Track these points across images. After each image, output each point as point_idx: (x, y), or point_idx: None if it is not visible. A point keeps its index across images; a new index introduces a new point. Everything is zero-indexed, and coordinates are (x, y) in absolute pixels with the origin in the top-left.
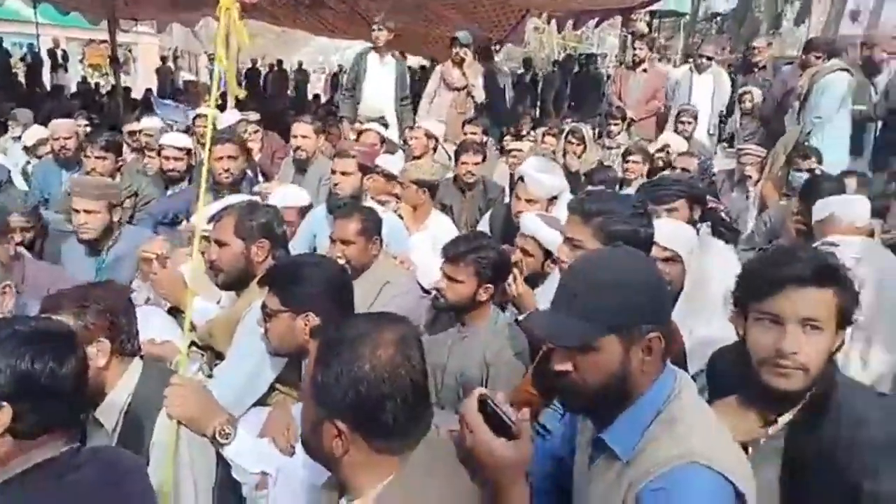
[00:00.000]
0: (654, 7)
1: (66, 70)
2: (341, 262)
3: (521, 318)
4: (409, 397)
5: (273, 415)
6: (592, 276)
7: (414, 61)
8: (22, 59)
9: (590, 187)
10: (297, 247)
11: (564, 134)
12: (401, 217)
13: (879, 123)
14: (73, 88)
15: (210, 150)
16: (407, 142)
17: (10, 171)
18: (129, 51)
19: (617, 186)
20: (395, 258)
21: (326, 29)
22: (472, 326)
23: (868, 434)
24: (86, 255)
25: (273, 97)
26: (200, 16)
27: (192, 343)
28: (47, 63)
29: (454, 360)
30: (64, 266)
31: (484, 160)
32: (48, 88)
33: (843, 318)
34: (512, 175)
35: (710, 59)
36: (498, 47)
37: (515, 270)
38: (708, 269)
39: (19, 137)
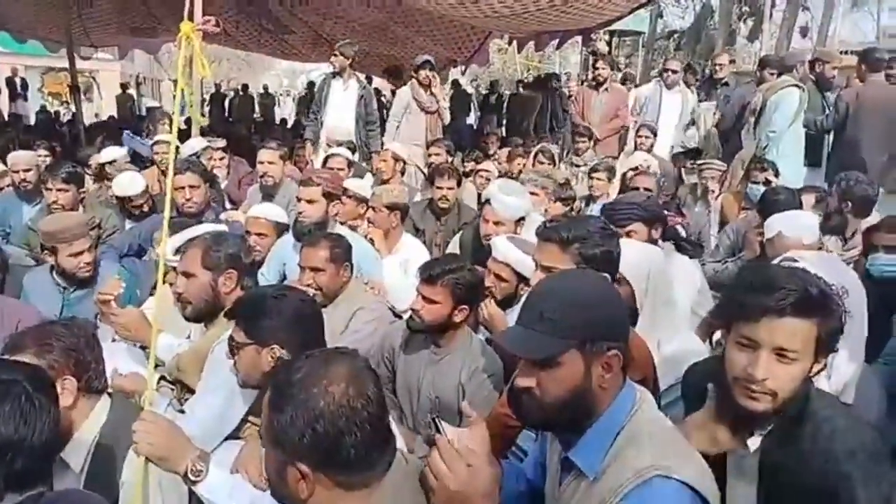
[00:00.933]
0: (614, 27)
1: (25, 99)
2: (311, 290)
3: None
4: (367, 429)
5: (246, 448)
6: (556, 295)
7: (380, 83)
8: None
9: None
10: (267, 274)
11: (534, 153)
12: (371, 242)
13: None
14: (33, 118)
15: (172, 179)
16: (373, 165)
17: None
18: (93, 78)
19: (584, 204)
20: (366, 284)
21: (291, 53)
22: (447, 348)
23: (842, 443)
24: (53, 289)
25: (239, 121)
26: (161, 42)
27: (162, 377)
28: (5, 92)
29: (429, 381)
30: (28, 300)
31: (459, 185)
32: (5, 118)
33: (824, 347)
34: (480, 196)
35: (675, 72)
36: (463, 68)
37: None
38: (672, 284)
39: None
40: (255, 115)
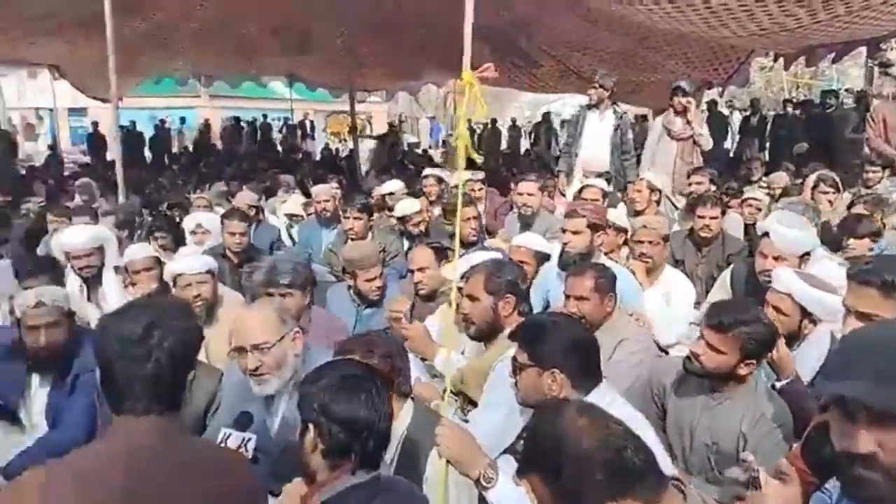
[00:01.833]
0: None
1: (312, 138)
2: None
3: (779, 383)
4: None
5: None
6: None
7: (627, 110)
8: (279, 131)
9: (852, 241)
10: (532, 301)
11: (812, 182)
12: (633, 273)
13: None
14: (318, 154)
15: (461, 210)
16: (627, 196)
17: (279, 231)
18: (369, 120)
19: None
20: (630, 314)
21: (538, 86)
22: (727, 393)
23: None
24: (350, 304)
25: (487, 154)
26: (422, 84)
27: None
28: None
29: (704, 426)
30: (329, 310)
31: (723, 214)
32: (300, 155)
33: None
34: (747, 226)
35: None
36: (721, 90)
37: None
38: None
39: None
40: (501, 148)
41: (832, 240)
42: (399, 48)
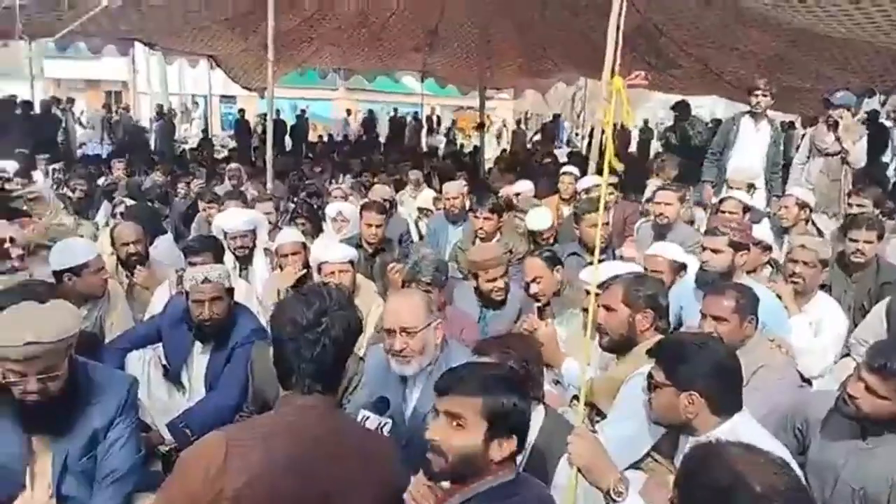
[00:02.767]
0: None
1: (438, 133)
2: None
3: None
4: None
5: (650, 482)
6: None
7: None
8: (408, 123)
9: None
10: None
11: None
12: (779, 296)
13: None
14: (442, 148)
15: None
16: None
17: (408, 224)
18: (488, 117)
19: None
20: (771, 340)
21: (675, 86)
22: (881, 439)
23: None
24: (475, 304)
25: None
26: (554, 82)
27: (575, 397)
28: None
29: (852, 470)
30: (455, 307)
31: (880, 238)
32: (424, 148)
33: None
34: None
35: None
36: (883, 99)
37: None
38: None
39: (414, 197)
40: (630, 150)
41: None
42: (531, 47)
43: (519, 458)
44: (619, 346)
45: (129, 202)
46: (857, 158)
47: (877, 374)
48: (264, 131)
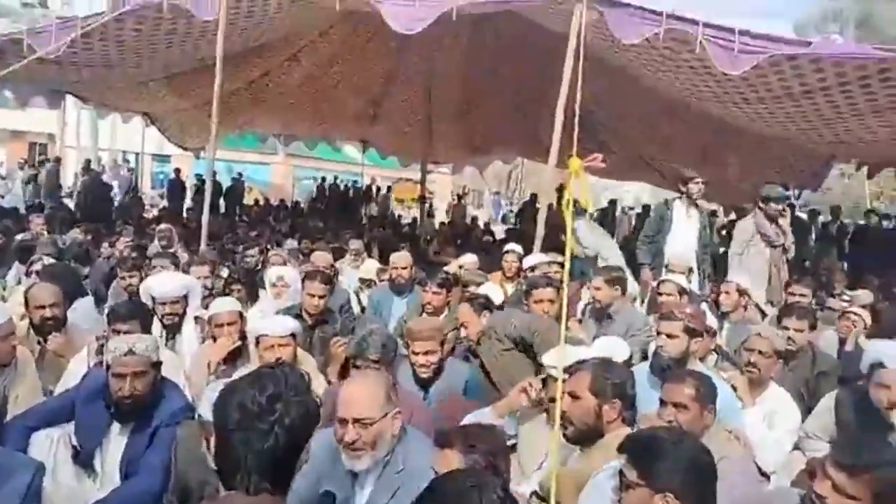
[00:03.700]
0: None
1: (377, 202)
2: None
3: None
4: None
5: None
6: None
7: None
8: (348, 192)
9: None
10: None
11: None
12: (734, 387)
13: None
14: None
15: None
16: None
17: (349, 295)
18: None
19: None
20: (729, 432)
21: (608, 171)
22: None
23: None
24: (411, 381)
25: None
26: (492, 159)
27: (535, 493)
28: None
29: None
30: (400, 386)
31: (812, 328)
32: (364, 218)
33: None
34: (842, 341)
35: None
36: (797, 193)
37: None
38: None
39: (355, 266)
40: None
41: None
42: (472, 124)
43: None
44: (584, 437)
45: (48, 260)
46: (792, 251)
47: (845, 473)
48: (198, 192)
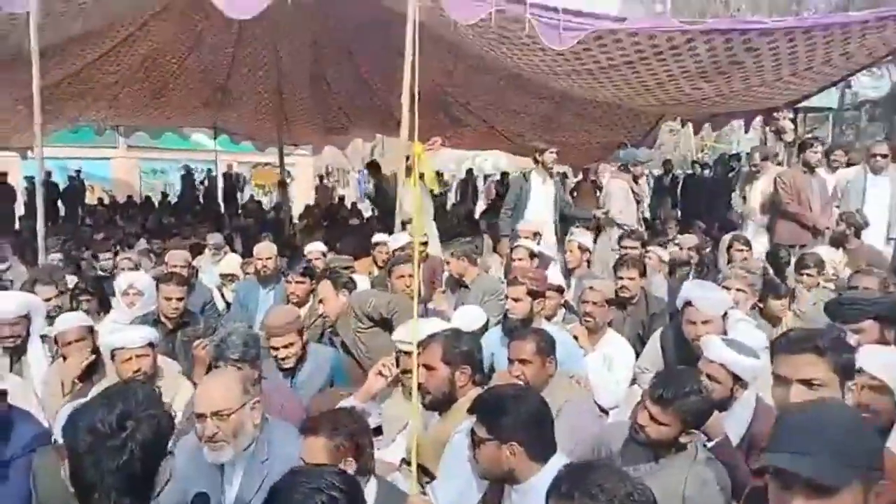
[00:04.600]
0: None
1: (241, 191)
2: (520, 381)
3: (710, 444)
4: None
5: None
6: (836, 422)
7: None
8: (202, 183)
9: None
10: None
11: (727, 242)
12: (576, 337)
13: None
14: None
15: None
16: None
17: (212, 292)
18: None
19: None
20: (571, 377)
21: (463, 143)
22: (669, 460)
23: None
24: (281, 376)
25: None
26: (351, 138)
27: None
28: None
29: None
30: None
31: (643, 275)
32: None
33: None
34: (670, 286)
35: (884, 156)
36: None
37: None
38: None
39: (215, 262)
40: None
41: None
42: (326, 104)
43: None
44: (441, 404)
45: None
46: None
47: (657, 404)
48: (30, 196)
